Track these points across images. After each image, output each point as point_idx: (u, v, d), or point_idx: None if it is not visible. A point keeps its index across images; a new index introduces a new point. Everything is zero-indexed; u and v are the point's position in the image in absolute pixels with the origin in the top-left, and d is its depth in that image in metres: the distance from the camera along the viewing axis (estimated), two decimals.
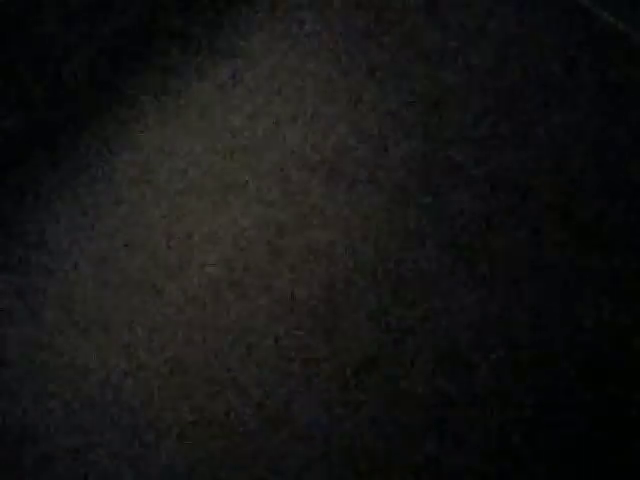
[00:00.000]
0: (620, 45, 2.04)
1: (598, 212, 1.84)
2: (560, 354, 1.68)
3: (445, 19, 2.10)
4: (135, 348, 1.73)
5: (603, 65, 2.02)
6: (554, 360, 1.67)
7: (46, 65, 2.02)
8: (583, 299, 1.73)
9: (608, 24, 2.06)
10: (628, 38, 2.04)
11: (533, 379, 1.65)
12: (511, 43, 2.05)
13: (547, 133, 1.94)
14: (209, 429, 1.64)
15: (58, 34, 1.99)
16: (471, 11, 2.10)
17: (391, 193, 1.88)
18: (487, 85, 2.00)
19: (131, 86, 2.06)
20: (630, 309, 1.71)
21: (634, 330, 1.69)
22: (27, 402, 1.69)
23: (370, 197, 1.88)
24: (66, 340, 1.75)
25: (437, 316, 1.73)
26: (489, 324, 1.72)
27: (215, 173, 1.93)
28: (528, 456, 1.59)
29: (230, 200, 1.89)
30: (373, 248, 1.82)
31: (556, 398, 1.64)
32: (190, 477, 1.60)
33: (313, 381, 1.68)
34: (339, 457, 1.61)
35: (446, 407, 1.64)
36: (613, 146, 1.91)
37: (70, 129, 2.01)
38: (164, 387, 1.69)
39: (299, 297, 1.77)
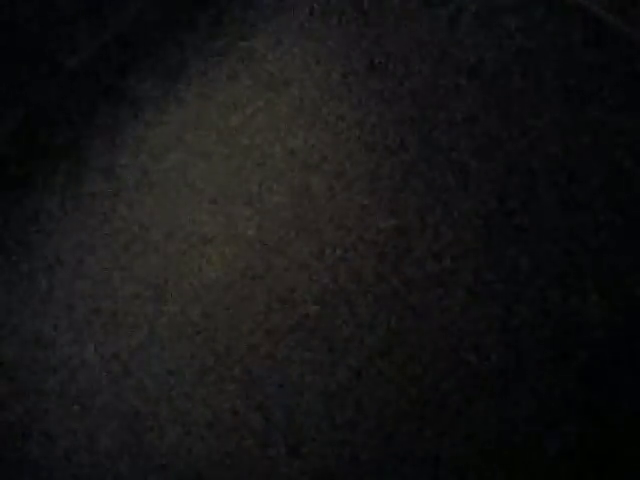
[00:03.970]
0: (620, 45, 2.03)
1: (596, 210, 1.84)
2: (561, 353, 1.67)
3: (444, 19, 2.10)
4: (134, 348, 1.73)
5: (603, 65, 2.01)
6: (555, 359, 1.67)
7: (46, 65, 2.02)
8: (586, 296, 1.73)
9: (608, 24, 2.06)
10: (628, 38, 2.03)
11: (533, 378, 1.65)
12: (510, 42, 2.05)
13: (546, 132, 1.94)
14: (209, 430, 1.64)
15: (58, 33, 1.99)
16: (471, 10, 2.10)
17: (392, 193, 1.88)
18: (486, 84, 1.99)
19: (130, 86, 2.05)
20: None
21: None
22: (27, 401, 1.69)
23: (371, 197, 1.88)
24: (66, 339, 1.75)
25: (437, 316, 1.73)
26: (489, 324, 1.71)
27: (215, 173, 1.93)
28: (528, 456, 1.58)
29: (230, 200, 1.89)
30: (374, 248, 1.81)
31: (556, 398, 1.63)
32: (191, 478, 1.60)
33: (313, 382, 1.68)
34: (339, 459, 1.60)
35: (445, 407, 1.63)
36: (613, 146, 1.91)
37: (69, 129, 2.01)
38: (164, 387, 1.69)
39: (299, 298, 1.77)
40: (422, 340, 1.70)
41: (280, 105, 2.00)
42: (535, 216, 1.83)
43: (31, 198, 1.94)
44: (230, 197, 1.89)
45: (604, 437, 1.59)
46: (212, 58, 2.08)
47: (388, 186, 1.89)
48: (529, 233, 1.81)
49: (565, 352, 1.67)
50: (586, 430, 1.59)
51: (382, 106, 1.99)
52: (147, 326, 1.75)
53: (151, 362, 1.71)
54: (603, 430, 1.59)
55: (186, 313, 1.76)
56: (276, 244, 1.83)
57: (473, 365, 1.67)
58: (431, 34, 2.08)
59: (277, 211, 1.87)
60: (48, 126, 2.02)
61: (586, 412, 1.61)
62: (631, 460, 1.56)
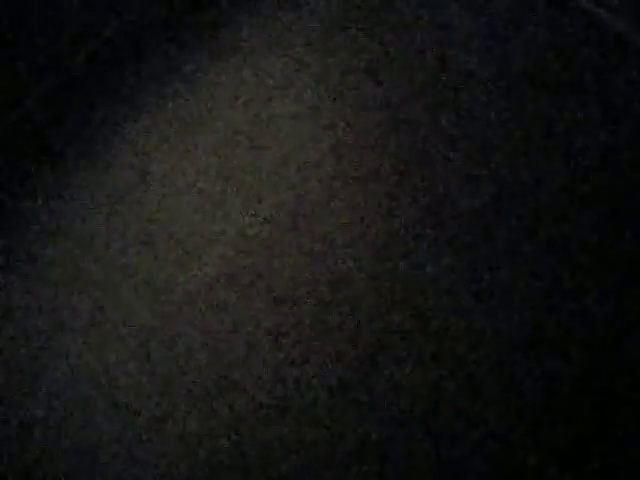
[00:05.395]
0: (620, 45, 2.04)
1: (594, 220, 1.84)
2: (561, 353, 1.68)
3: (444, 19, 2.10)
4: (134, 349, 1.73)
5: (602, 65, 2.02)
6: (554, 360, 1.67)
7: (45, 64, 2.02)
8: (586, 295, 1.73)
9: (608, 24, 2.06)
10: (628, 38, 2.04)
11: (532, 380, 1.65)
12: (510, 43, 2.05)
13: (545, 133, 1.94)
14: (209, 429, 1.64)
15: (57, 34, 1.99)
16: (471, 11, 2.10)
17: (392, 193, 1.88)
18: (486, 84, 2.00)
19: (130, 86, 2.06)
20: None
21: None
22: (27, 402, 1.69)
23: (370, 197, 1.88)
24: (65, 339, 1.75)
25: (437, 316, 1.73)
26: (490, 324, 1.72)
27: (215, 173, 1.93)
28: (527, 456, 1.59)
29: (230, 200, 1.89)
30: (373, 248, 1.81)
31: (557, 399, 1.63)
32: (190, 477, 1.60)
33: (313, 382, 1.68)
34: (339, 459, 1.60)
35: (445, 406, 1.63)
36: (612, 146, 1.91)
37: (69, 129, 2.01)
38: (164, 387, 1.69)
39: (299, 297, 1.77)
40: (423, 339, 1.70)
41: (280, 105, 2.00)
42: (534, 215, 1.84)
43: (30, 198, 1.94)
44: (230, 197, 1.89)
45: (603, 439, 1.59)
46: (212, 58, 2.08)
47: (388, 186, 1.89)
48: (528, 233, 1.82)
49: (566, 350, 1.67)
50: (585, 431, 1.59)
51: (382, 106, 2.00)
52: (147, 326, 1.75)
53: (151, 362, 1.71)
54: (602, 430, 1.59)
55: (186, 313, 1.76)
56: (276, 244, 1.83)
57: (473, 365, 1.67)
58: (431, 36, 2.08)
59: (277, 211, 1.87)
60: (48, 125, 2.02)
61: (585, 413, 1.62)
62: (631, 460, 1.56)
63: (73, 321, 1.77)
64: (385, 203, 1.87)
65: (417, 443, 1.61)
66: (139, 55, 2.10)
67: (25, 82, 1.99)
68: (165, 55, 2.09)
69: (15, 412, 1.68)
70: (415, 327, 1.72)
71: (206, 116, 2.00)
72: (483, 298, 1.75)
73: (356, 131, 1.96)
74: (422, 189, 1.88)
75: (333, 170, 1.91)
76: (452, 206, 1.86)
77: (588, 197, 1.85)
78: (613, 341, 1.68)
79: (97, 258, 1.84)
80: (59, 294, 1.80)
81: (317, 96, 2.01)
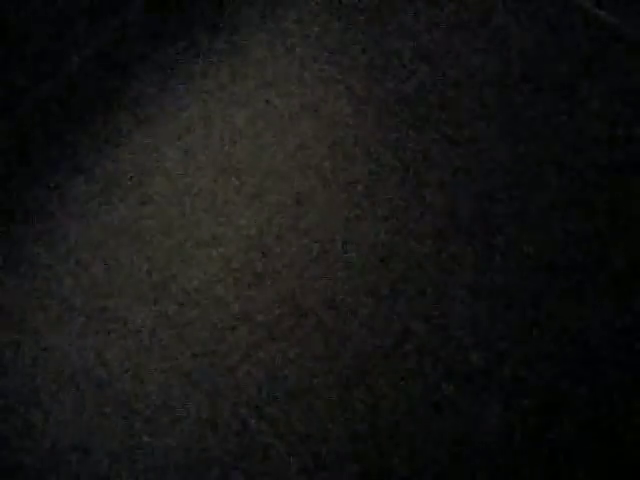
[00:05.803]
0: (620, 45, 2.04)
1: (593, 213, 1.84)
2: (560, 354, 1.68)
3: (445, 19, 2.10)
4: (135, 348, 1.73)
5: (602, 65, 2.02)
6: (554, 361, 1.67)
7: (46, 65, 2.02)
8: (584, 298, 1.73)
9: (608, 24, 2.06)
10: (628, 38, 2.04)
11: (533, 379, 1.65)
12: (511, 43, 2.05)
13: (545, 132, 1.94)
14: (209, 430, 1.64)
15: (58, 34, 2.00)
16: (471, 11, 2.10)
17: (392, 193, 1.88)
18: (486, 84, 2.00)
19: (131, 86, 2.06)
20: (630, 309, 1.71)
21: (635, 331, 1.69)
22: (26, 401, 1.69)
23: (370, 198, 1.88)
24: (66, 339, 1.75)
25: (437, 316, 1.73)
26: (489, 325, 1.72)
27: (215, 173, 1.93)
28: (527, 457, 1.59)
29: (230, 200, 1.89)
30: (373, 248, 1.82)
31: (557, 400, 1.64)
32: (189, 478, 1.60)
33: (313, 382, 1.68)
34: (338, 458, 1.60)
35: (446, 407, 1.64)
36: (612, 146, 1.91)
37: (69, 130, 2.01)
38: (164, 388, 1.69)
39: (299, 298, 1.77)
40: (422, 340, 1.70)
41: (280, 105, 2.00)
42: (534, 215, 1.84)
43: (31, 197, 1.94)
44: (230, 197, 1.89)
45: (601, 435, 1.59)
46: (212, 58, 2.08)
47: (387, 186, 1.89)
48: (527, 231, 1.82)
49: (565, 350, 1.68)
50: (582, 429, 1.60)
51: (381, 106, 2.00)
52: (147, 326, 1.76)
53: (151, 362, 1.72)
54: (600, 429, 1.60)
55: (186, 313, 1.76)
56: (276, 244, 1.83)
57: (474, 364, 1.67)
58: (431, 36, 2.08)
59: (277, 211, 1.87)
60: (48, 125, 2.02)
61: (583, 411, 1.62)
62: (629, 458, 1.56)
63: (74, 320, 1.77)
64: (386, 203, 1.87)
65: (417, 442, 1.61)
66: (139, 56, 2.10)
67: (26, 83, 1.99)
68: (165, 56, 2.10)
69: (16, 412, 1.68)
70: (415, 327, 1.72)
71: (206, 116, 2.00)
72: (483, 298, 1.75)
73: (356, 131, 1.96)
74: (423, 189, 1.88)
75: (333, 170, 1.91)
76: (453, 205, 1.86)
77: (588, 198, 1.86)
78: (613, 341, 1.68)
79: (97, 257, 1.84)
80: (60, 295, 1.81)
81: (317, 96, 2.01)
